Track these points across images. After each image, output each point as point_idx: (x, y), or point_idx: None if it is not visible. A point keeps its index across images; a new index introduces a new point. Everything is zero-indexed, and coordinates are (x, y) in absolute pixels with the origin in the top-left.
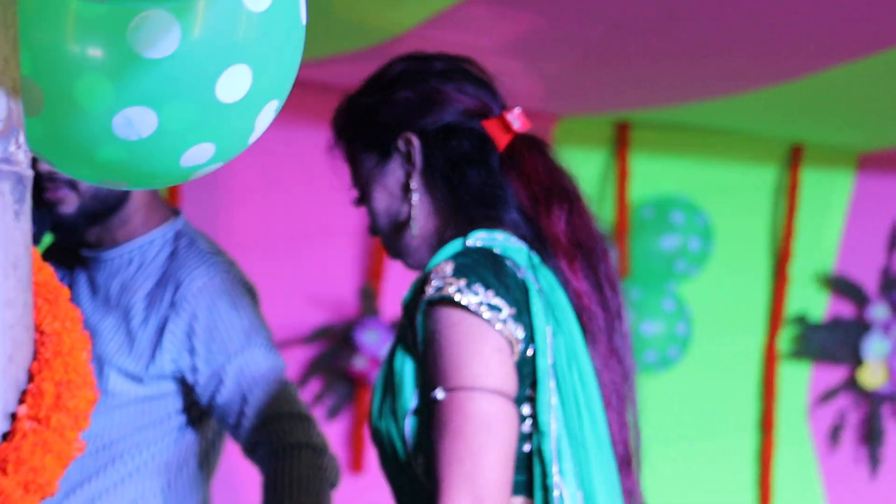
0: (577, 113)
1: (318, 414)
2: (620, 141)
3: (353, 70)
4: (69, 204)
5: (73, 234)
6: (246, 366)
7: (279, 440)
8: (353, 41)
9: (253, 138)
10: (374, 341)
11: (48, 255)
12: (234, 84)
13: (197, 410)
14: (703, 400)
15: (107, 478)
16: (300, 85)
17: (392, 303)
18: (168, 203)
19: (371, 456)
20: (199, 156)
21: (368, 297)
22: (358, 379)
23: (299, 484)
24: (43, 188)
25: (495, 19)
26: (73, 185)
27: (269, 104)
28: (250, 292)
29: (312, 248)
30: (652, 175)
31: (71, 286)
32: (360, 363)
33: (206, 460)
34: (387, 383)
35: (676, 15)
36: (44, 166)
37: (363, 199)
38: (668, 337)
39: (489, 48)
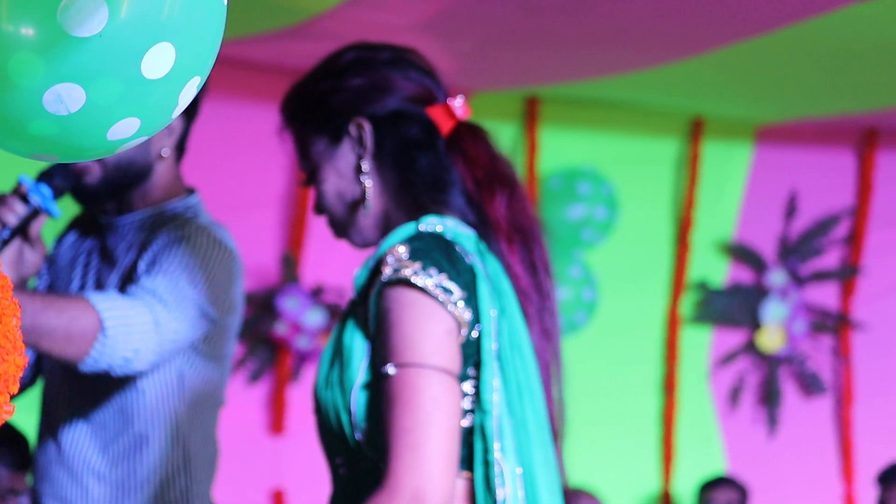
0: (489, 88)
1: (240, 377)
2: (530, 115)
3: (274, 48)
4: (93, 174)
5: (94, 202)
6: (165, 273)
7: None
8: (274, 20)
9: (176, 113)
10: (295, 307)
11: (73, 226)
12: (158, 61)
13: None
14: (609, 362)
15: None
16: (224, 62)
17: (312, 271)
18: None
19: (292, 418)
20: (126, 130)
21: (289, 264)
22: (279, 344)
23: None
24: None
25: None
26: None
27: (191, 80)
28: (210, 262)
29: (235, 218)
30: (559, 147)
31: (90, 254)
32: (281, 329)
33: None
34: (335, 355)
35: None
36: None
37: (311, 180)
38: (576, 302)
39: (404, 27)
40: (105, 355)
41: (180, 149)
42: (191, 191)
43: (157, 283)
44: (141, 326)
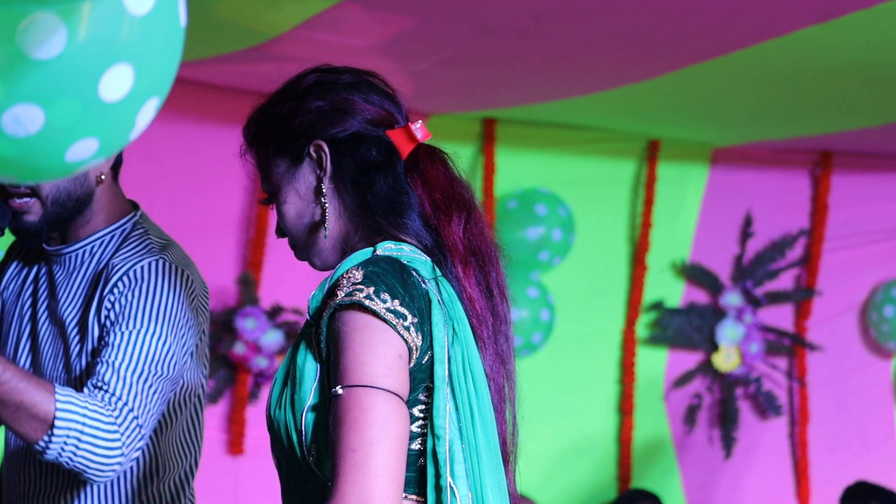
0: (446, 110)
1: None
2: (487, 137)
3: (232, 69)
4: (34, 213)
5: (37, 238)
6: (128, 341)
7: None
8: (233, 42)
9: (135, 134)
10: (253, 328)
11: (11, 252)
12: (116, 83)
13: None
14: (565, 383)
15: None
16: (183, 83)
17: (271, 291)
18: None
19: (250, 438)
20: (84, 151)
21: (248, 285)
22: (238, 364)
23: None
24: (8, 195)
25: (368, 22)
26: (35, 192)
27: (149, 102)
28: (182, 283)
29: (195, 239)
30: (517, 169)
31: (35, 281)
32: (239, 349)
33: None
34: (287, 376)
35: (540, 19)
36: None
37: (272, 200)
38: (533, 323)
39: (362, 49)
40: (51, 452)
41: (116, 166)
42: (134, 205)
43: (125, 386)
44: (100, 446)
